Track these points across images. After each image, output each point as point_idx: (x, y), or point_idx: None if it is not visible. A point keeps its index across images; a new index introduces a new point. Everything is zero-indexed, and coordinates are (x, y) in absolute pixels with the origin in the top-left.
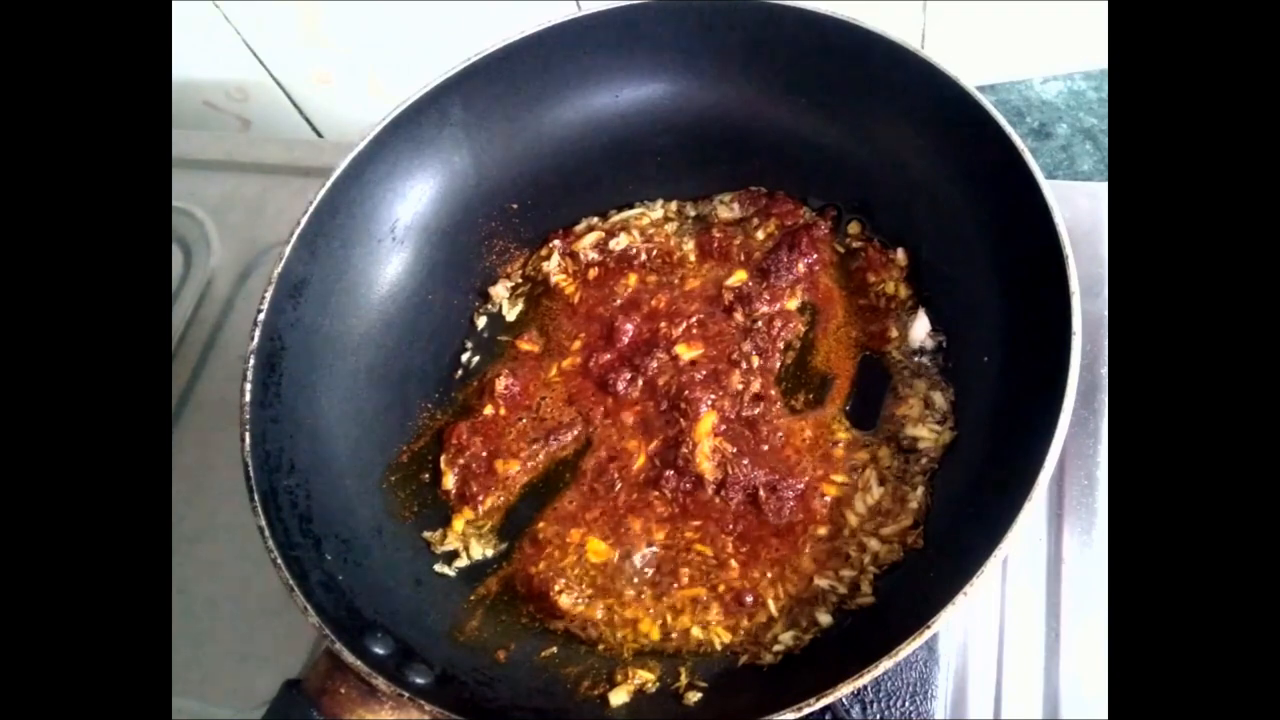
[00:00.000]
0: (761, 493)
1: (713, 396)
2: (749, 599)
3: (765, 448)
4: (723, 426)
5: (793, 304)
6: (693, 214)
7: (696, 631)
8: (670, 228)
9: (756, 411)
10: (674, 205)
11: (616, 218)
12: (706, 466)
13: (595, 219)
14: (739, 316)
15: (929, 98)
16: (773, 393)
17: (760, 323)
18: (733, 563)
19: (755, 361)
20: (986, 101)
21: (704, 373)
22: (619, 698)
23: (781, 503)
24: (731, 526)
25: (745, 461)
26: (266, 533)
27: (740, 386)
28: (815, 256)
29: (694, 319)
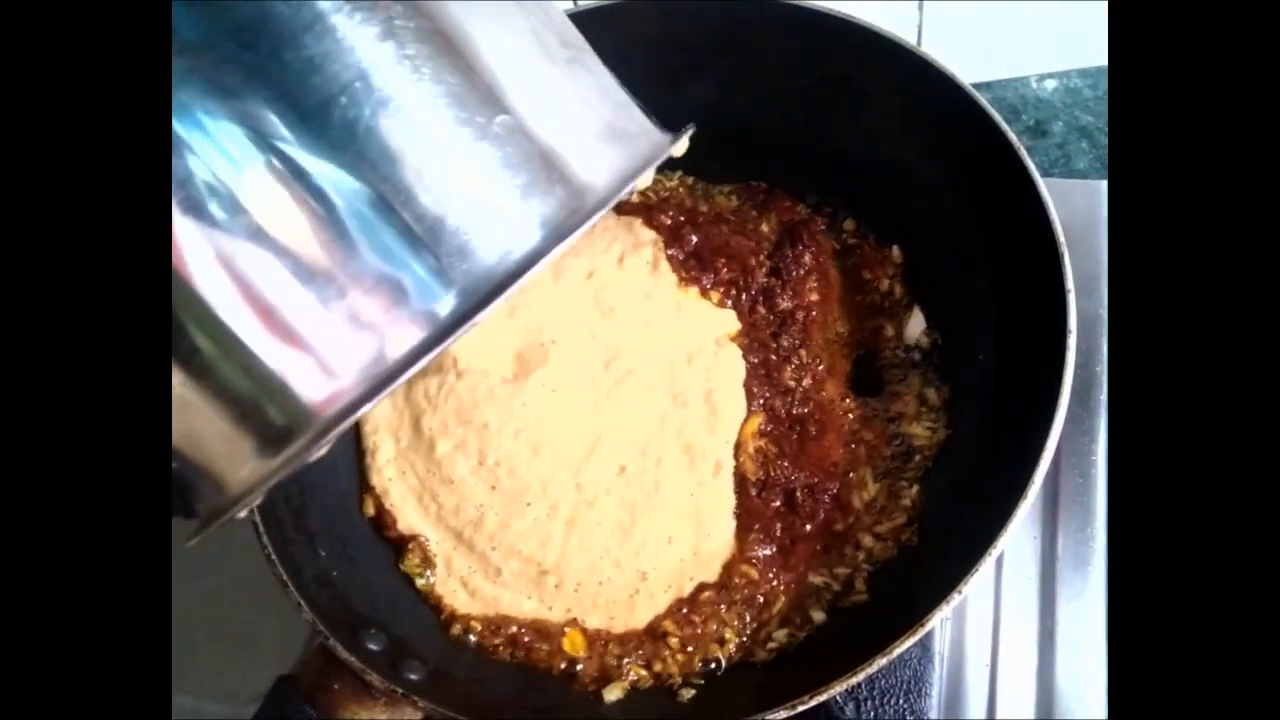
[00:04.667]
0: (799, 495)
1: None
2: (761, 599)
3: (808, 447)
4: (769, 426)
5: (813, 296)
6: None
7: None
8: None
9: (806, 410)
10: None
11: None
12: (750, 467)
13: None
14: (761, 310)
15: (925, 95)
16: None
17: (776, 317)
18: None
19: (803, 356)
20: (982, 99)
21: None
22: (613, 694)
23: (818, 505)
24: (758, 528)
25: (785, 463)
26: (261, 529)
27: (792, 384)
28: (816, 248)
29: None
